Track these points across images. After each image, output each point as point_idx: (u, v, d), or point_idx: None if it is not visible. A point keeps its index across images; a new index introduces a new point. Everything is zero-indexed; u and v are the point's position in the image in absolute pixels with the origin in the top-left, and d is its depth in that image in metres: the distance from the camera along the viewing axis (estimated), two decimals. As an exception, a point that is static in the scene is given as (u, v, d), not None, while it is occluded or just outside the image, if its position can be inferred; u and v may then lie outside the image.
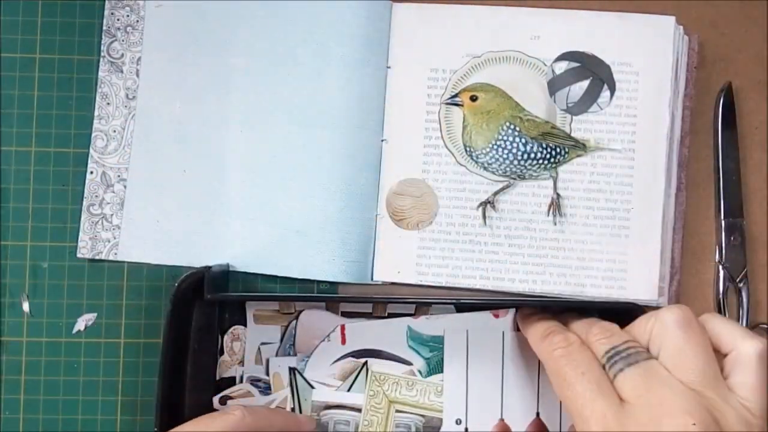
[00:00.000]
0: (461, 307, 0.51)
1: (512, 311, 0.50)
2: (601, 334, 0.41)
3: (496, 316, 0.51)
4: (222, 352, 0.52)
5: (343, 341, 0.51)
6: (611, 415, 0.36)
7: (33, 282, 0.52)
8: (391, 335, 0.51)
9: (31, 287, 0.52)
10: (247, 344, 0.51)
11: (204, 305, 0.50)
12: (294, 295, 0.52)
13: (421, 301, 0.51)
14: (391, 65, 0.52)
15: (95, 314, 0.52)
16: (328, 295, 0.52)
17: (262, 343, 0.51)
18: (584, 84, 0.51)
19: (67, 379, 0.52)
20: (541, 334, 0.43)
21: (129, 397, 0.52)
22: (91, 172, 0.52)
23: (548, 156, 0.50)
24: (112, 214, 0.52)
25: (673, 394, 0.36)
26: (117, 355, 0.52)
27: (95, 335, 0.52)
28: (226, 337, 0.52)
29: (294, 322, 0.51)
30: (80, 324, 0.52)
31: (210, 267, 0.48)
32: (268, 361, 0.51)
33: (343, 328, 0.51)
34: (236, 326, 0.52)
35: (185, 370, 0.49)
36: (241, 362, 0.51)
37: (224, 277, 0.51)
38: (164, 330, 0.46)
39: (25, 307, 0.52)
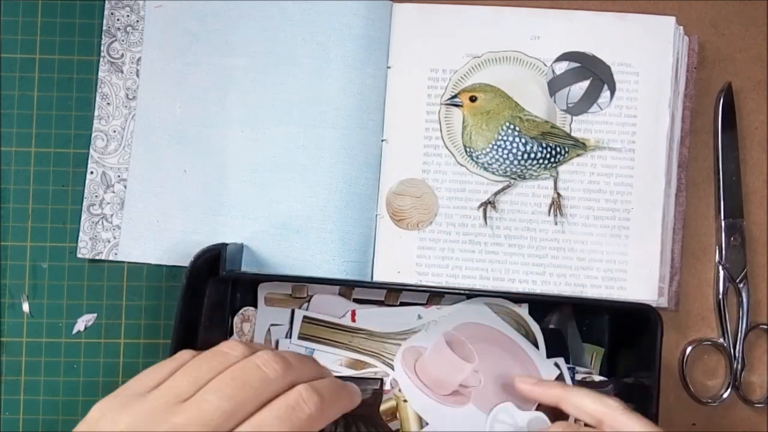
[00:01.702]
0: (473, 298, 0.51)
1: (524, 306, 0.50)
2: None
3: None
4: (231, 333, 0.52)
5: None
6: None
7: (33, 282, 0.52)
8: (400, 321, 0.51)
9: (31, 288, 0.52)
10: (257, 326, 0.51)
11: (217, 283, 0.50)
12: (309, 277, 0.51)
13: (434, 290, 0.51)
14: (391, 65, 0.52)
15: (95, 315, 0.52)
16: (343, 279, 0.51)
17: (272, 325, 0.51)
18: (584, 84, 0.51)
19: (66, 380, 0.52)
20: (592, 398, 0.43)
21: (129, 398, 0.52)
22: (91, 172, 0.52)
23: (548, 155, 0.50)
24: (112, 214, 0.52)
25: None
26: (117, 356, 0.52)
27: (95, 336, 0.52)
28: (236, 318, 0.52)
29: (306, 305, 0.51)
30: (80, 324, 0.52)
31: (226, 244, 0.48)
32: (277, 342, 0.51)
33: (354, 312, 0.51)
34: (247, 308, 0.52)
35: (195, 347, 0.49)
36: None
37: (239, 256, 0.51)
38: (177, 305, 0.46)
39: (25, 307, 0.52)
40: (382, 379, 0.49)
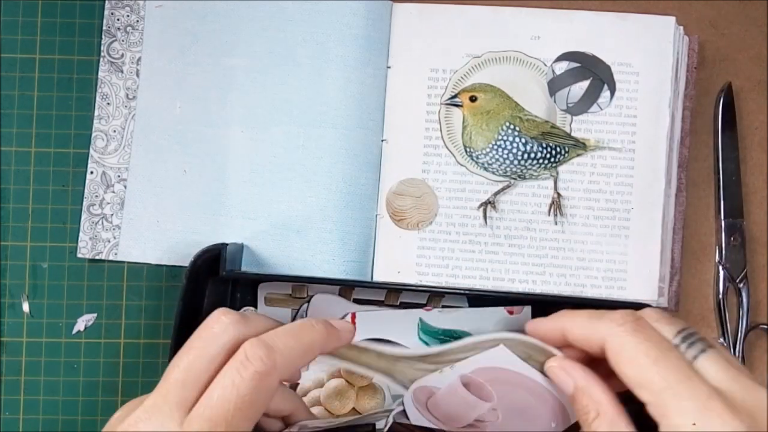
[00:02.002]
0: (474, 299, 0.51)
1: (527, 308, 0.50)
2: (661, 317, 0.37)
3: (510, 312, 0.51)
4: None
5: None
6: (714, 396, 0.33)
7: (33, 282, 0.52)
8: (402, 325, 0.51)
9: (31, 287, 0.52)
10: None
11: (218, 283, 0.50)
12: (309, 277, 0.51)
13: (434, 290, 0.50)
14: (391, 65, 0.52)
15: (95, 314, 0.52)
16: (343, 279, 0.51)
17: None
18: (584, 84, 0.51)
19: (66, 380, 0.52)
20: (589, 315, 0.38)
21: (129, 398, 0.51)
22: (91, 172, 0.52)
23: (548, 155, 0.50)
24: (112, 214, 0.52)
25: (754, 383, 0.33)
26: (117, 356, 0.52)
27: (95, 336, 0.52)
28: None
29: (305, 305, 0.51)
30: (80, 324, 0.52)
31: (226, 244, 0.48)
32: None
33: (354, 315, 0.51)
34: (247, 307, 0.52)
35: None
36: None
37: (239, 256, 0.51)
38: (177, 305, 0.46)
39: (25, 307, 0.52)
40: (374, 425, 0.48)
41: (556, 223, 0.51)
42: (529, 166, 0.51)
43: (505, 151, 0.51)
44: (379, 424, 0.48)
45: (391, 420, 0.47)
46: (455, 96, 0.51)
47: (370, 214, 0.52)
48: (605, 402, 0.37)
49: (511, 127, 0.51)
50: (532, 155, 0.50)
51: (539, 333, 0.41)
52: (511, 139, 0.50)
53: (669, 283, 0.51)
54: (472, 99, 0.51)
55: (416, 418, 0.47)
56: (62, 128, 0.53)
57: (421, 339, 0.51)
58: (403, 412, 0.47)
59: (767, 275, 0.52)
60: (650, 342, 0.35)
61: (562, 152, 0.50)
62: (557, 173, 0.50)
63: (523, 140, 0.50)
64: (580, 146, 0.50)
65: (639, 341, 0.35)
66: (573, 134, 0.51)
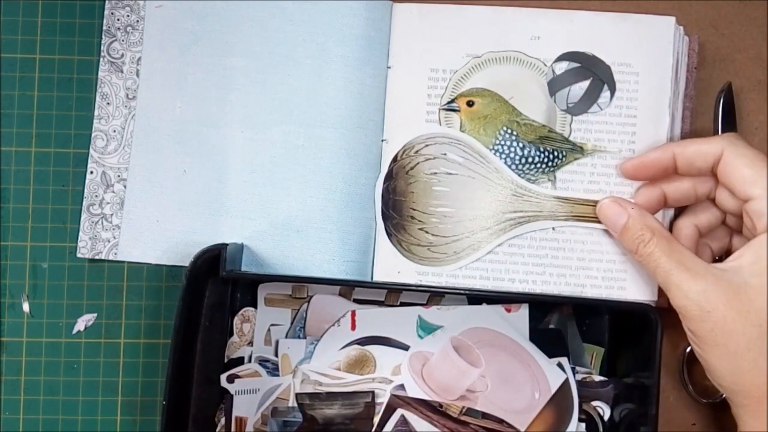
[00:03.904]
0: (473, 299, 0.51)
1: (525, 306, 0.50)
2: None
3: (508, 310, 0.51)
4: (231, 334, 0.52)
5: (353, 327, 0.51)
6: None
7: (33, 282, 0.52)
8: (401, 323, 0.51)
9: (31, 287, 0.52)
10: (257, 325, 0.52)
11: (218, 283, 0.50)
12: (309, 277, 0.51)
13: (434, 290, 0.51)
14: (391, 65, 0.52)
15: (95, 314, 0.52)
16: (343, 279, 0.51)
17: (272, 325, 0.51)
18: (584, 84, 0.51)
19: (67, 380, 0.52)
20: (698, 139, 0.47)
21: (129, 398, 0.52)
22: (91, 172, 0.52)
23: (546, 160, 0.50)
24: (112, 214, 0.52)
25: None
26: (117, 356, 0.52)
27: (95, 335, 0.52)
28: (236, 318, 0.52)
29: (305, 305, 0.51)
30: (80, 324, 0.52)
31: (226, 244, 0.48)
32: (277, 342, 0.51)
33: (353, 313, 0.51)
34: (247, 308, 0.52)
35: (195, 347, 0.49)
36: (250, 343, 0.51)
37: (239, 256, 0.51)
38: (178, 306, 0.46)
39: (25, 307, 0.52)
40: (373, 392, 0.49)
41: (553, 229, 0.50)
42: (527, 171, 0.50)
43: (503, 156, 0.50)
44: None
45: (388, 395, 0.49)
46: (452, 101, 0.51)
47: (370, 214, 0.52)
48: (658, 227, 0.46)
49: (509, 131, 0.50)
50: (530, 159, 0.50)
51: (645, 163, 0.48)
52: (508, 143, 0.50)
53: (669, 283, 0.51)
54: (469, 104, 0.51)
55: (413, 391, 0.49)
56: (62, 128, 0.53)
57: (419, 336, 0.51)
58: (401, 386, 0.49)
59: (767, 275, 0.52)
60: (758, 152, 0.44)
61: (560, 156, 0.50)
62: (555, 177, 0.50)
63: (521, 144, 0.50)
64: (578, 150, 0.50)
65: (753, 151, 0.44)
66: (573, 134, 0.51)
